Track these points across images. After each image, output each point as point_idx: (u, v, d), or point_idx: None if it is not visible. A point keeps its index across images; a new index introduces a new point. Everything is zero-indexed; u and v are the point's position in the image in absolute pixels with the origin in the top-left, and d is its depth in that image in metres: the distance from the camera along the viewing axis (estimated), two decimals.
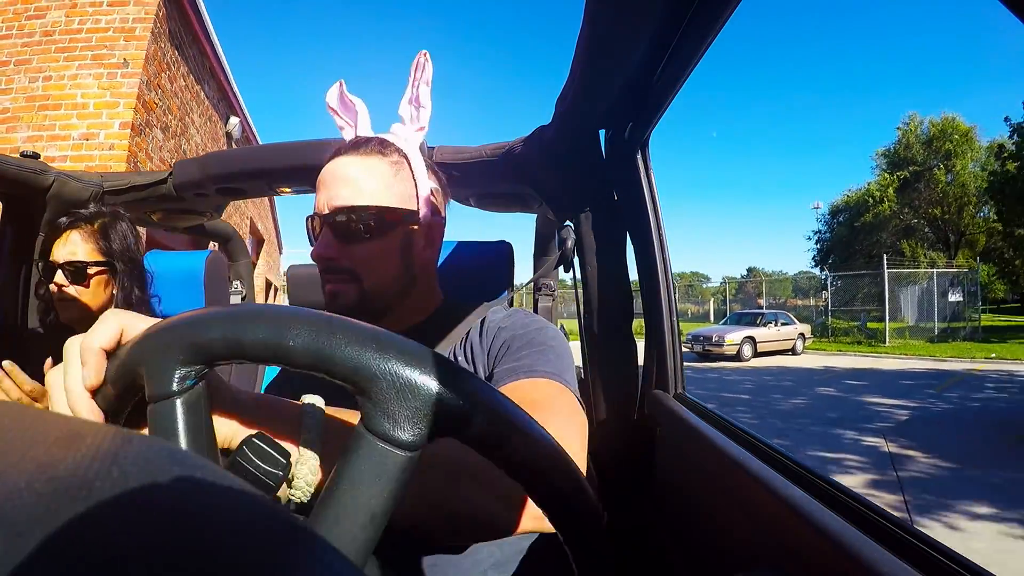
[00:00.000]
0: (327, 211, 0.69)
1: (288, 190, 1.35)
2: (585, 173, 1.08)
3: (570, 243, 1.14)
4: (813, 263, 33.37)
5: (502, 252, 1.16)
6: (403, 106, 0.77)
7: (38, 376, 1.13)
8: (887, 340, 14.86)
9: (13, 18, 4.16)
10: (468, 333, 0.74)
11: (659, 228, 1.04)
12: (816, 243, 32.85)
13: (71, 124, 4.05)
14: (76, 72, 4.08)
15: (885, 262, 16.08)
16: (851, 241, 29.04)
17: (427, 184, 0.74)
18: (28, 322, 1.31)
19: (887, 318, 15.35)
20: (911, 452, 4.60)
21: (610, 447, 1.04)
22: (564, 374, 0.64)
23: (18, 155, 1.21)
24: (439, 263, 0.83)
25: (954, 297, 15.76)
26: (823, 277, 19.27)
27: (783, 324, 14.23)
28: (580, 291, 1.19)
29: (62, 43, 4.12)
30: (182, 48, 4.99)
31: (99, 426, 0.16)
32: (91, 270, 1.04)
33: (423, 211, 0.73)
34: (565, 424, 0.56)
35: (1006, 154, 19.67)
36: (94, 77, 4.10)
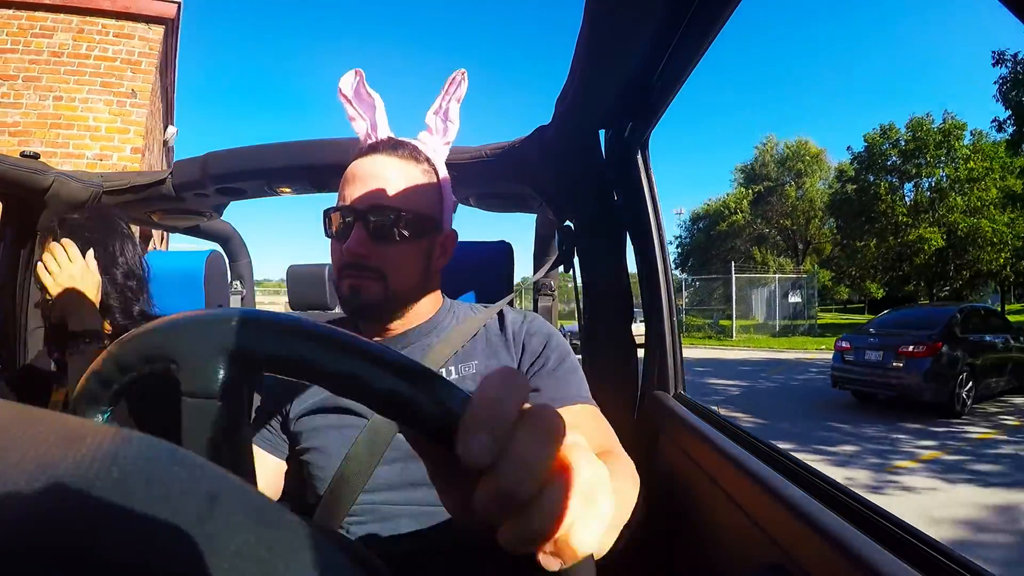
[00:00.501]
0: (362, 207, 0.68)
1: (288, 190, 1.35)
2: (585, 173, 1.08)
3: (570, 243, 1.14)
4: (674, 266, 36.39)
5: (502, 252, 1.16)
6: (430, 116, 0.79)
7: (37, 375, 1.13)
8: (734, 335, 17.15)
9: (18, 33, 4.31)
10: (484, 332, 0.76)
11: (659, 228, 1.04)
12: (677, 247, 36.77)
13: (84, 144, 4.30)
14: (87, 96, 4.34)
15: (733, 268, 18.43)
16: (708, 247, 32.35)
17: (450, 196, 0.77)
18: (28, 322, 1.31)
19: (734, 316, 17.73)
20: (736, 413, 6.18)
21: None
22: (588, 392, 0.72)
23: (18, 155, 1.21)
24: None
25: (795, 299, 18.28)
26: (682, 279, 21.41)
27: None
28: (580, 291, 1.19)
29: (71, 66, 4.34)
30: (164, 73, 5.29)
31: (99, 426, 0.16)
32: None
33: (445, 221, 0.76)
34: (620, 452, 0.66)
35: (846, 177, 24.42)
36: (104, 103, 4.37)
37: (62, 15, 4.31)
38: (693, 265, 32.77)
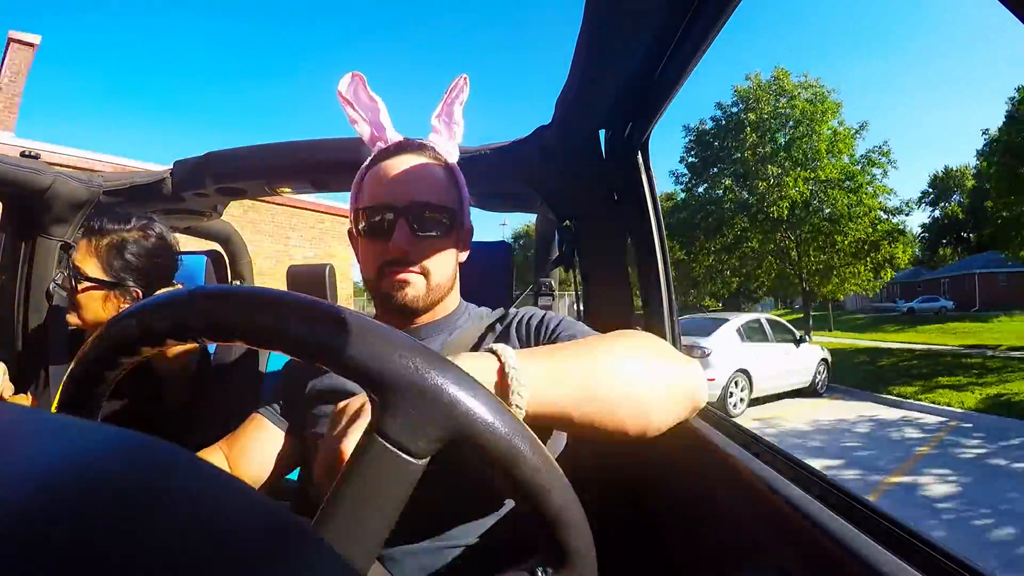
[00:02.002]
0: (402, 204, 0.70)
1: (288, 190, 1.35)
2: (585, 173, 1.08)
3: (570, 243, 1.14)
4: None
5: (501, 253, 1.16)
6: (433, 119, 0.82)
7: (34, 374, 1.14)
8: None
9: None
10: (493, 328, 0.79)
11: (659, 228, 1.04)
12: None
13: None
14: None
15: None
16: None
17: (466, 192, 0.80)
18: (28, 322, 1.31)
19: None
20: None
21: (610, 447, 1.04)
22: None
23: (18, 155, 1.21)
24: None
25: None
26: None
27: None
28: (580, 291, 1.19)
29: None
30: None
31: (100, 426, 0.16)
32: (80, 285, 1.01)
33: (465, 217, 0.80)
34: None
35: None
36: None
37: None
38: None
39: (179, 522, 0.13)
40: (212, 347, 1.24)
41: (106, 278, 1.03)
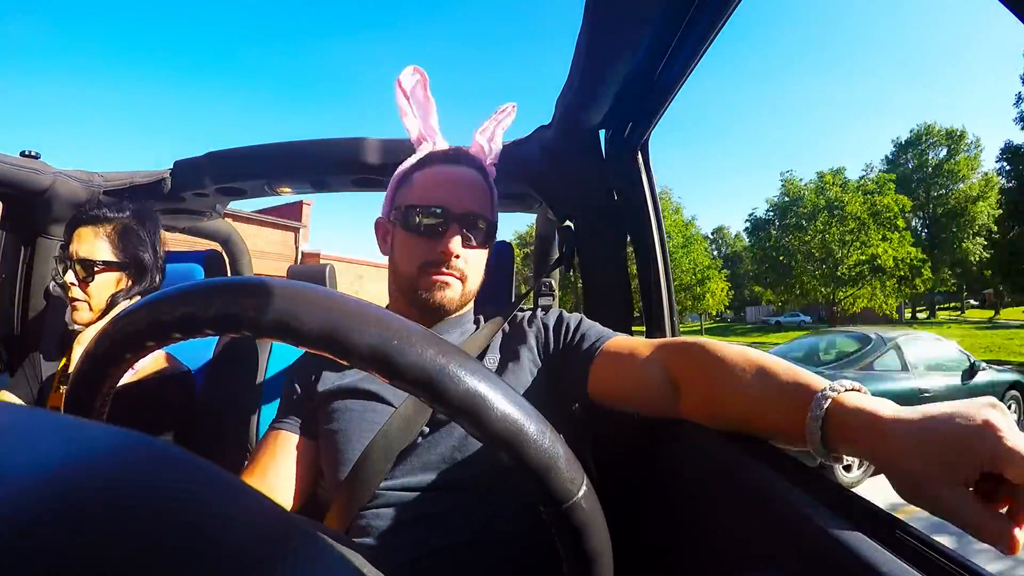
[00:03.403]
0: (458, 212, 0.74)
1: (288, 190, 1.35)
2: (585, 173, 1.08)
3: (570, 243, 1.14)
4: None
5: (502, 253, 1.16)
6: (478, 135, 0.87)
7: (34, 373, 1.13)
8: None
9: None
10: (508, 330, 0.82)
11: (659, 228, 1.04)
12: None
13: None
14: None
15: None
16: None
17: (497, 209, 0.84)
18: (28, 322, 1.31)
19: None
20: None
21: (610, 447, 1.04)
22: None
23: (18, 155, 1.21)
24: None
25: None
26: None
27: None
28: (582, 291, 1.19)
29: None
30: None
31: (100, 426, 0.16)
32: (97, 268, 1.02)
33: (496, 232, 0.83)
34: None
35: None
36: None
37: None
38: None
39: (180, 522, 0.13)
40: (208, 354, 1.24)
41: (120, 260, 1.05)
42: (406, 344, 0.30)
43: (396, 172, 0.82)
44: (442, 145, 0.84)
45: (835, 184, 25.55)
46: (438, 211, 0.74)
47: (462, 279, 0.76)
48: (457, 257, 0.74)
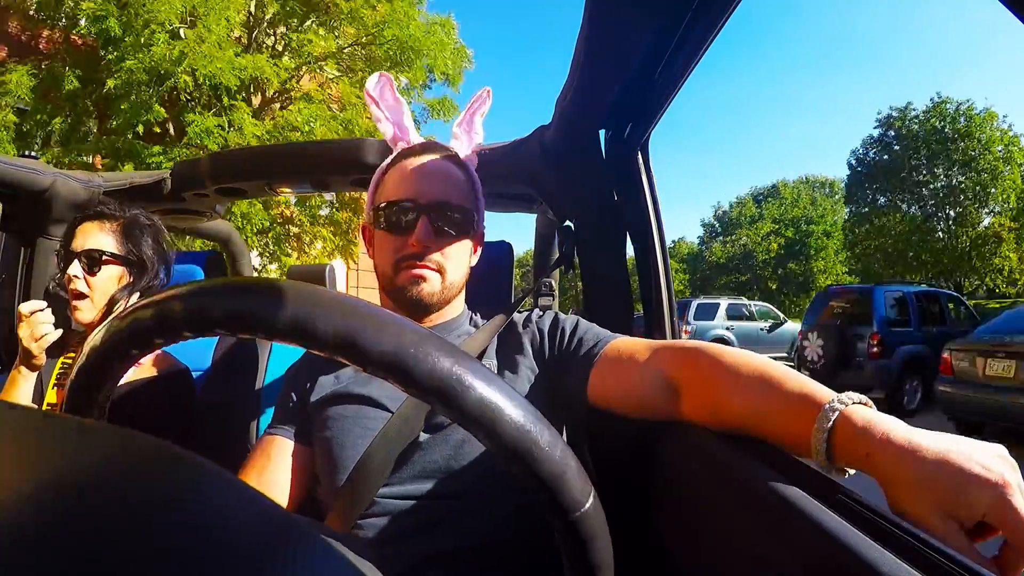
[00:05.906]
0: (426, 202, 0.72)
1: (288, 190, 1.35)
2: (585, 173, 1.08)
3: (570, 243, 1.14)
4: None
5: (502, 252, 1.16)
6: (455, 127, 0.86)
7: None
8: None
9: None
10: (504, 334, 0.79)
11: (659, 228, 1.04)
12: None
13: None
14: None
15: None
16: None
17: (481, 197, 0.82)
18: None
19: None
20: None
21: (610, 448, 1.04)
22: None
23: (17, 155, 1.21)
24: None
25: None
26: None
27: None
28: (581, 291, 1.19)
29: None
30: None
31: (101, 426, 0.16)
32: (105, 258, 1.02)
33: (479, 221, 0.81)
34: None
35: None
36: None
37: None
38: None
39: (180, 523, 0.13)
40: (207, 359, 1.24)
41: (125, 255, 1.05)
42: (423, 353, 0.30)
43: (374, 175, 0.81)
44: (416, 141, 0.82)
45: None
46: (407, 204, 0.72)
47: (440, 271, 0.73)
48: (428, 248, 0.72)
